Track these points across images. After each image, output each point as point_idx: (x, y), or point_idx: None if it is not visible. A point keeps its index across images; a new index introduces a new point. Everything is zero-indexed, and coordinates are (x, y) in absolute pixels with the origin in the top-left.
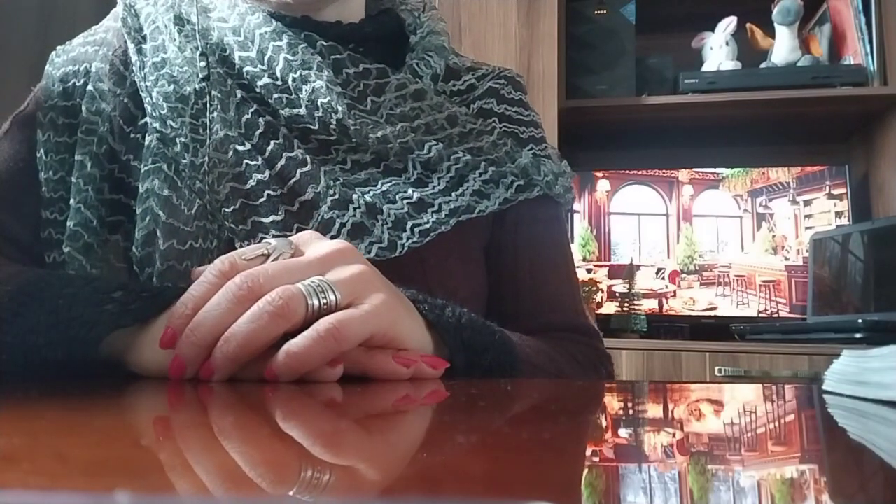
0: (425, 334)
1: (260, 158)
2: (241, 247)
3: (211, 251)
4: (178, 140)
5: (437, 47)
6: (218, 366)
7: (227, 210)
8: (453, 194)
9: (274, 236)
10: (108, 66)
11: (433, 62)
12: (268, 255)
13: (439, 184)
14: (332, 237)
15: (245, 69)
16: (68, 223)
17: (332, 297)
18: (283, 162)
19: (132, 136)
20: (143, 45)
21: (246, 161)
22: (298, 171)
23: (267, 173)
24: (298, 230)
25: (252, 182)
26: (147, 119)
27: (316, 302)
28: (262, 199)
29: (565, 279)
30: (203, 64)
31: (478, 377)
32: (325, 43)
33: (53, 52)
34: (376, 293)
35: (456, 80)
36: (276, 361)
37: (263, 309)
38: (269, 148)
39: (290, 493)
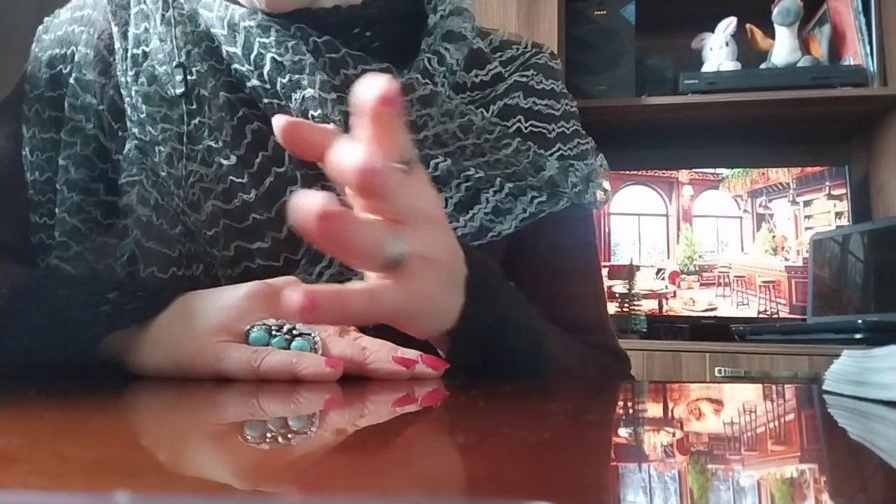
0: None
1: (246, 175)
2: (222, 275)
3: (196, 277)
4: (157, 149)
5: (458, 35)
6: None
7: (208, 233)
8: (462, 219)
9: (259, 265)
10: (92, 53)
11: (449, 56)
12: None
13: (447, 205)
14: (324, 268)
15: (233, 66)
16: (55, 233)
17: None
18: (271, 178)
19: (120, 133)
20: (129, 29)
21: (231, 178)
22: (288, 190)
23: (253, 193)
24: (286, 260)
25: (237, 202)
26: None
27: None
28: (247, 223)
29: (590, 292)
30: (180, 75)
31: (504, 357)
32: (318, 39)
33: (41, 27)
34: None
35: (479, 70)
36: None
37: None
38: (258, 161)
39: (292, 493)
